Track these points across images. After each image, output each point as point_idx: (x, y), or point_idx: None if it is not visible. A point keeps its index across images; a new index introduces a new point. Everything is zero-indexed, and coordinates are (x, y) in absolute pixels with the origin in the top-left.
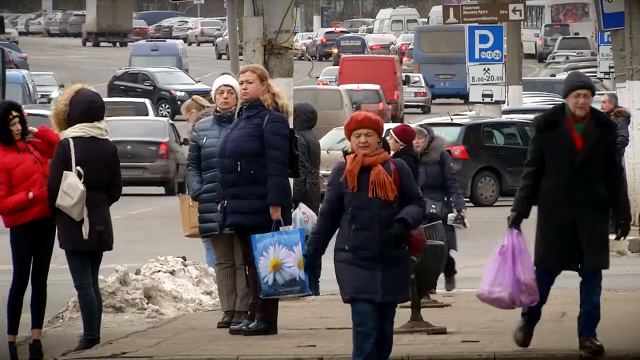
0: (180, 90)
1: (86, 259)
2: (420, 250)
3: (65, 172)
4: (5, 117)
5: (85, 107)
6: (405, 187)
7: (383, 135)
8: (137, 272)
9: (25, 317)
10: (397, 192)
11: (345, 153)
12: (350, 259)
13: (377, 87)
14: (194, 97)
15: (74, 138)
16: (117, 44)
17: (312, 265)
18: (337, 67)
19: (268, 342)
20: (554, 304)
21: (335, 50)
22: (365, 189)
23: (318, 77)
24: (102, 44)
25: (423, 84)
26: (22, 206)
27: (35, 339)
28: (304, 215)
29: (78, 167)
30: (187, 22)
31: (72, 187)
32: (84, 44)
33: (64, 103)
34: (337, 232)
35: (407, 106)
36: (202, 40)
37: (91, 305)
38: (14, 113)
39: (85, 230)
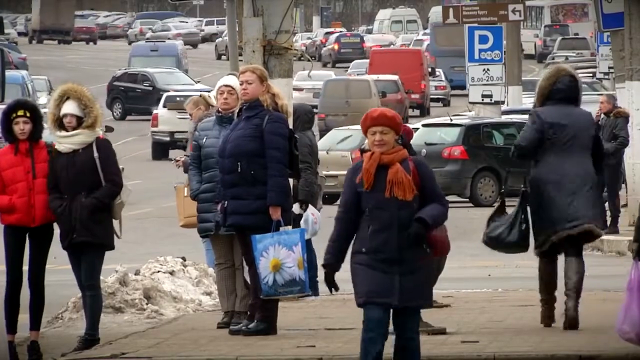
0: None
1: None
2: (445, 252)
3: None
4: (9, 115)
5: None
6: (426, 186)
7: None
8: (137, 273)
9: (25, 317)
10: (416, 192)
11: (363, 151)
12: (367, 262)
13: (395, 77)
14: (203, 94)
15: None
16: (61, 41)
17: (330, 281)
18: (366, 60)
19: (267, 343)
20: None
21: (336, 47)
22: (383, 188)
23: (347, 72)
24: (45, 41)
25: (443, 78)
26: (5, 209)
27: (33, 340)
28: (313, 216)
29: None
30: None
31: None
32: (30, 42)
33: (98, 105)
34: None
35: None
36: (139, 39)
37: (100, 304)
38: (20, 112)
39: (120, 229)
